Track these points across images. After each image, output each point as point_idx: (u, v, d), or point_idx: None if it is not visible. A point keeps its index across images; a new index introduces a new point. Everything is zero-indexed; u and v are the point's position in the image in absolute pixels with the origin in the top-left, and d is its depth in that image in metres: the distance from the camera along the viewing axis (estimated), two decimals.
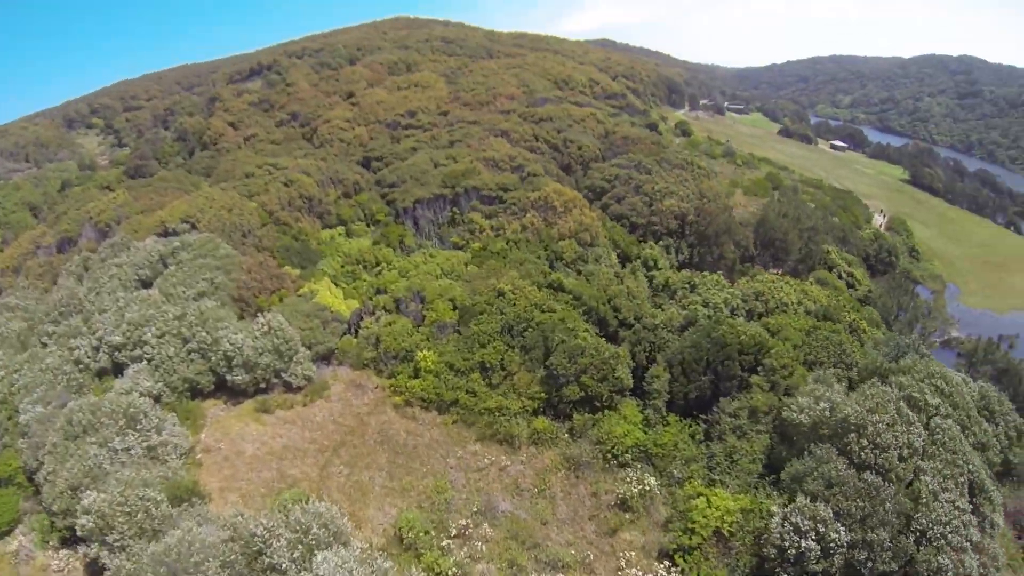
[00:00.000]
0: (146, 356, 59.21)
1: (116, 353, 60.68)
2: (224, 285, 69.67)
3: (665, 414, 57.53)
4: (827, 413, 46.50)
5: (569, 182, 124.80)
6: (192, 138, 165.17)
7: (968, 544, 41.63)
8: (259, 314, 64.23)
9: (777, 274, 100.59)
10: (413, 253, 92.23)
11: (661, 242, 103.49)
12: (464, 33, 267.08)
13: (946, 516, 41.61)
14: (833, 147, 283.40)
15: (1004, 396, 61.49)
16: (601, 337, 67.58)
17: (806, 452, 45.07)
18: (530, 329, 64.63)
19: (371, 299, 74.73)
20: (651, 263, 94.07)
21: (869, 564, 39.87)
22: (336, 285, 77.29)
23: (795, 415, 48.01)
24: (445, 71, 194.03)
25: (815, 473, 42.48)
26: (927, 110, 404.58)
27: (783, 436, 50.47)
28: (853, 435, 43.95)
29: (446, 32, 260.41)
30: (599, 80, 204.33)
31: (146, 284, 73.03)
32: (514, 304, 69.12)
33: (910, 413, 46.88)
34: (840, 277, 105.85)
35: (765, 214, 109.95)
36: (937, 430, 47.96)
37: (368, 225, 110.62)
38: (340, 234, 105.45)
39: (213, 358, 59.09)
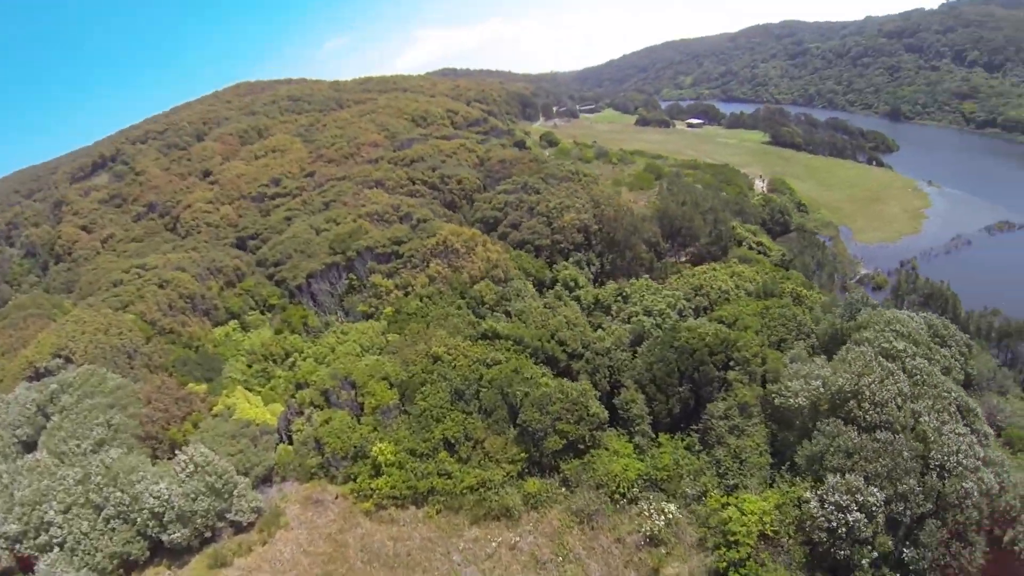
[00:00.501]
0: (56, 541, 52.28)
1: (17, 546, 53.15)
2: (124, 425, 63.45)
3: (654, 436, 59.13)
4: (821, 389, 50.21)
5: (458, 219, 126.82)
6: (43, 251, 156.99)
7: (979, 462, 46.55)
8: (176, 450, 58.96)
9: (687, 262, 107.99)
10: (322, 334, 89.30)
11: (571, 259, 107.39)
12: (309, 88, 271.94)
13: (954, 445, 46.51)
14: (690, 126, 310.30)
15: (946, 320, 69.96)
16: (557, 376, 68.52)
17: (814, 431, 48.26)
18: (483, 389, 64.11)
19: (294, 397, 70.75)
20: (571, 283, 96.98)
21: (908, 512, 43.36)
22: (250, 390, 72.47)
23: (790, 400, 51.37)
24: (299, 130, 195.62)
25: (832, 448, 45.61)
26: (764, 75, 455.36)
27: (780, 422, 53.78)
28: (852, 402, 47.92)
29: (291, 90, 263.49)
30: (456, 109, 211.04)
31: (29, 446, 64.71)
32: (455, 366, 68.29)
33: (889, 364, 51.92)
34: (751, 248, 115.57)
35: (664, 205, 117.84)
36: (915, 371, 53.57)
37: (263, 312, 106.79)
38: (235, 329, 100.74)
39: (139, 520, 53.13)
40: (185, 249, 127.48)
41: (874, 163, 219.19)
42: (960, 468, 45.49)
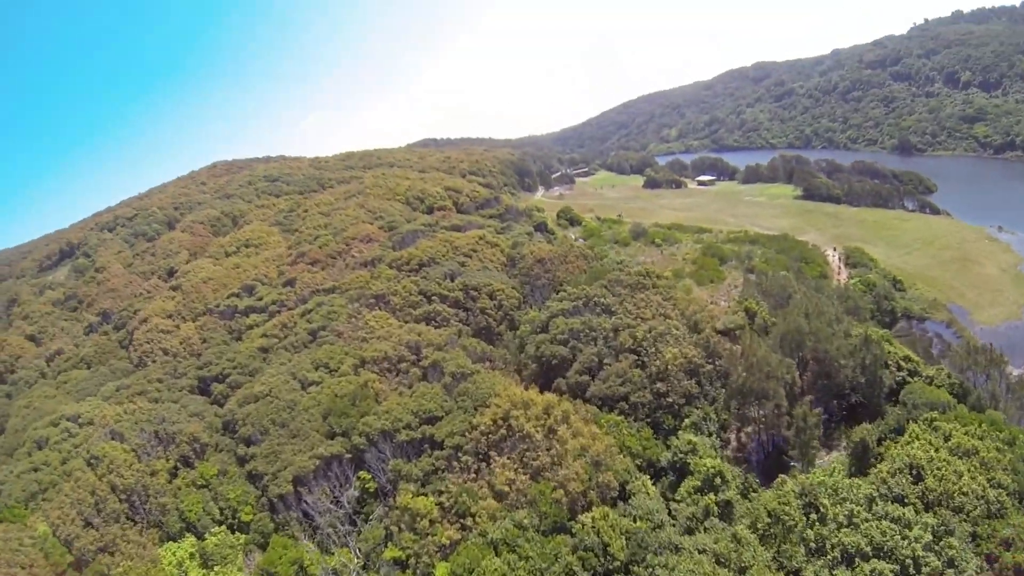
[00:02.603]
0: None
1: None
2: None
3: None
4: None
5: (502, 357, 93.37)
6: None
7: None
8: None
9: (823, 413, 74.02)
10: None
11: (685, 419, 73.62)
12: (288, 166, 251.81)
13: None
14: (702, 183, 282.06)
15: None
16: None
17: None
18: None
19: None
20: (713, 476, 62.45)
21: None
22: None
23: None
24: (277, 218, 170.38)
25: None
26: (754, 119, 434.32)
27: None
28: None
29: (269, 169, 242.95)
30: (457, 187, 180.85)
31: None
32: None
33: None
34: (903, 371, 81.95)
35: (787, 321, 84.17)
36: None
37: (233, 531, 72.29)
38: (192, 556, 66.71)
39: None
40: (132, 392, 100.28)
41: (927, 209, 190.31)
42: None
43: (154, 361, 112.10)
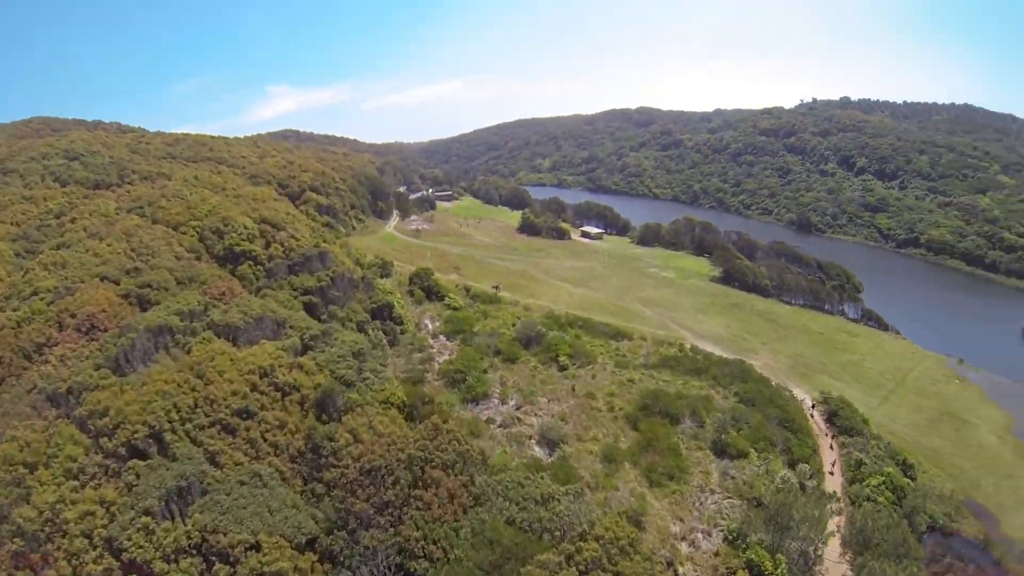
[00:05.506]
0: None
1: None
2: None
3: None
4: None
5: None
6: None
7: None
8: None
9: None
10: None
11: None
12: (103, 141, 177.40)
13: None
14: (587, 235, 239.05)
15: None
16: None
17: None
18: None
19: None
20: None
21: None
22: None
23: None
24: (27, 230, 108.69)
25: None
26: (637, 165, 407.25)
27: None
28: None
29: (73, 142, 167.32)
30: (277, 221, 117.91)
31: None
32: None
33: None
34: None
35: None
36: None
37: None
38: None
39: None
40: None
41: (872, 321, 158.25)
42: None
43: None
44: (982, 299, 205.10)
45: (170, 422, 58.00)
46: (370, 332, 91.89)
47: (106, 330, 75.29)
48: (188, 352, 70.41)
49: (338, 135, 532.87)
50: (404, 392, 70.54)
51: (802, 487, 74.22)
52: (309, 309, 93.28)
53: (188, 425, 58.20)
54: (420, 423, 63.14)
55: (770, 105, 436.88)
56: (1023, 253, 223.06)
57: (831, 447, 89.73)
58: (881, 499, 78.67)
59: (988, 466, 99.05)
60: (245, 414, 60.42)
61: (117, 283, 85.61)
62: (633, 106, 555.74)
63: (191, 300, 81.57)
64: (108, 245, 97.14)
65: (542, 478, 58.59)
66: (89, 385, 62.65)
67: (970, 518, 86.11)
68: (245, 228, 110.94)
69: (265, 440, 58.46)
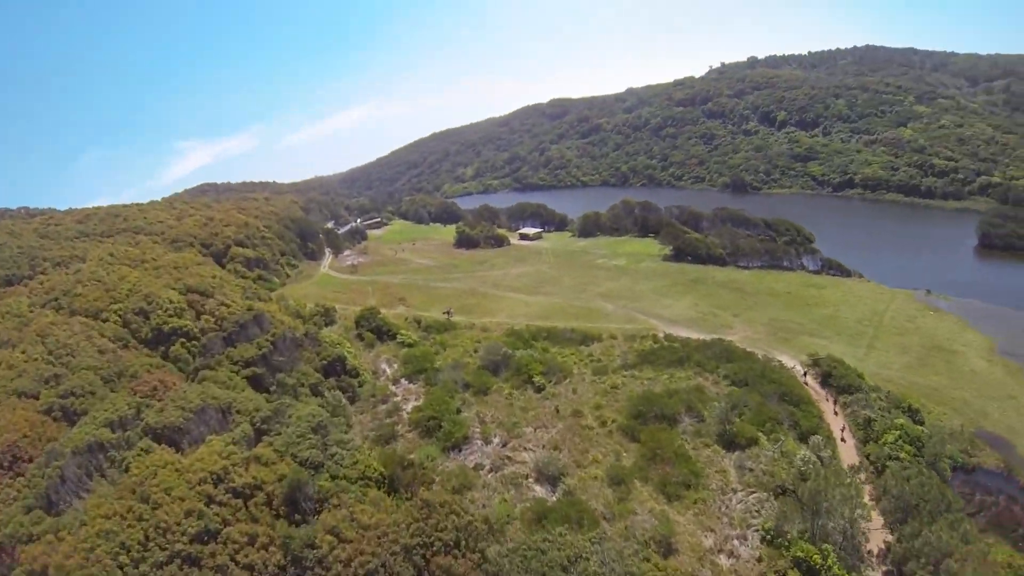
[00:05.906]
0: None
1: None
2: None
3: None
4: None
5: None
6: None
7: None
8: None
9: None
10: None
11: None
12: (6, 230, 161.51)
13: None
14: (525, 237, 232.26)
15: None
16: None
17: None
18: None
19: None
20: None
21: None
22: None
23: None
24: None
25: None
26: (561, 156, 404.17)
27: None
28: None
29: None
30: (205, 288, 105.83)
31: None
32: None
33: None
34: None
35: None
36: None
37: None
38: None
39: None
40: None
41: (834, 270, 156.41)
42: None
43: None
44: (928, 226, 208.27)
45: (120, 567, 47.09)
46: (327, 394, 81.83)
47: (31, 460, 63.14)
48: (127, 470, 59.07)
49: (257, 180, 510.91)
50: (379, 458, 61.21)
51: (820, 461, 68.52)
52: (255, 383, 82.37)
53: (143, 567, 47.35)
54: (406, 496, 54.19)
55: (681, 77, 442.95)
56: (954, 176, 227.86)
57: (835, 412, 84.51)
58: (903, 455, 73.55)
59: (988, 392, 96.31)
60: (206, 536, 49.83)
61: (36, 397, 72.75)
62: (545, 100, 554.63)
63: (120, 404, 69.67)
64: (22, 352, 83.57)
65: (561, 535, 50.30)
66: (22, 536, 50.90)
67: (986, 449, 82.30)
68: (171, 303, 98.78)
69: (237, 564, 48.06)
